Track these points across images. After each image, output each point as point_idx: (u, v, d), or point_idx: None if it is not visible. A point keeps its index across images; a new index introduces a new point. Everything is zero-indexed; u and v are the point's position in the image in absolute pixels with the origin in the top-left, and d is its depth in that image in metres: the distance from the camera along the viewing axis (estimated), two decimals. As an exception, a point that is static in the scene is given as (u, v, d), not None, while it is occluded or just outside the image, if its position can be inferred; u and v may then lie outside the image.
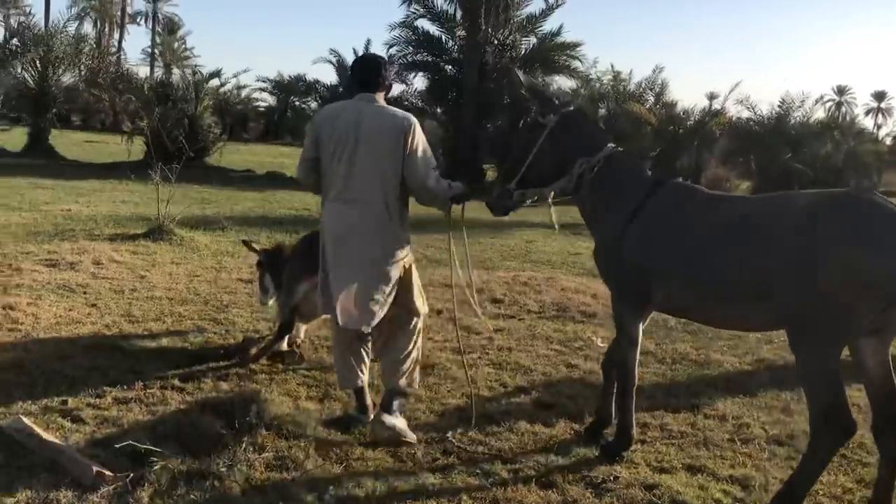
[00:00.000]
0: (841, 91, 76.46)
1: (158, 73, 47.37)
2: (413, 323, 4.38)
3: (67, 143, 26.35)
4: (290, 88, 44.91)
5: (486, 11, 22.38)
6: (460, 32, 23.49)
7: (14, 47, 22.17)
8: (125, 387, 4.71)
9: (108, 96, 23.34)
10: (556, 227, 4.67)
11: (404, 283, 4.28)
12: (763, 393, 5.39)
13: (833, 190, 3.79)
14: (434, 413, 4.70)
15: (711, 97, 32.22)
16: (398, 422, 4.17)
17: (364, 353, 4.42)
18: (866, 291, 3.20)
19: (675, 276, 3.87)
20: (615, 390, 4.36)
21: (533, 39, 24.07)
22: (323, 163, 4.15)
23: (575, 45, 23.92)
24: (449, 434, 4.31)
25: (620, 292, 4.19)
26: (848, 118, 36.26)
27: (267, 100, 47.68)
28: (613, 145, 4.27)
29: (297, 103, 47.11)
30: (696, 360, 6.15)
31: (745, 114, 25.29)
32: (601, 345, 6.36)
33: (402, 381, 4.34)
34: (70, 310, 6.41)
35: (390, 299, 4.20)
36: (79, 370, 4.97)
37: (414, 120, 4.10)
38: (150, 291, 7.26)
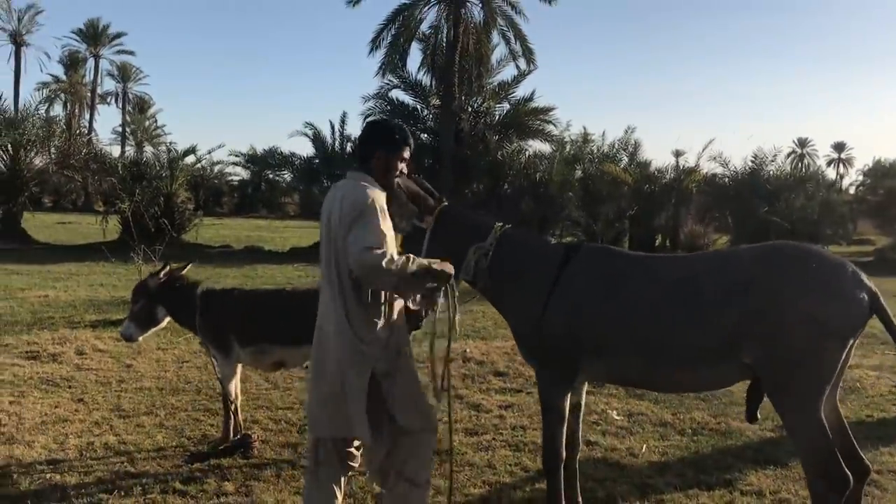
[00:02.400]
0: (802, 143, 78.06)
1: (130, 151, 47.14)
2: (423, 441, 3.54)
3: (40, 225, 25.92)
4: (263, 162, 44.80)
5: (460, 80, 22.59)
6: (434, 101, 23.67)
7: (-16, 132, 21.90)
8: (122, 493, 4.38)
9: (81, 177, 23.00)
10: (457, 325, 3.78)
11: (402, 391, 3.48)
12: (794, 463, 5.14)
13: (773, 243, 3.78)
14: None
15: (678, 154, 32.65)
16: None
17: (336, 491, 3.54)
18: (831, 337, 3.34)
19: (618, 344, 3.68)
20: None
21: (506, 105, 24.31)
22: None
23: (548, 110, 24.19)
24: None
25: (547, 370, 3.90)
26: (811, 169, 36.84)
27: (240, 174, 47.58)
28: (502, 224, 4.06)
29: (270, 176, 47.03)
30: (716, 430, 5.91)
31: (719, 170, 25.56)
32: (617, 418, 6.11)
33: None
34: (56, 407, 6.06)
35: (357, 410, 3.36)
36: (71, 476, 4.62)
37: (366, 197, 3.29)
38: (138, 382, 6.92)
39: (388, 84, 23.86)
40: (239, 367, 5.41)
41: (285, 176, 43.78)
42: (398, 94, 24.16)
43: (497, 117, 24.17)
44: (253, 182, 48.38)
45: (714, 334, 3.46)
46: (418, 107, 24.18)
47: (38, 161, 22.88)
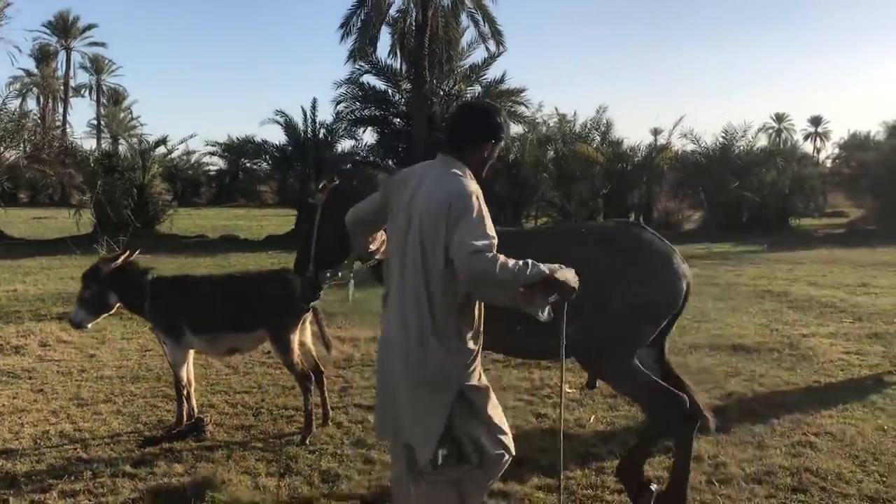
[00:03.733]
0: (780, 118, 78.61)
1: (105, 144, 46.83)
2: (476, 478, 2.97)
3: (15, 220, 25.79)
4: (239, 151, 44.62)
5: (430, 63, 22.58)
6: (406, 86, 23.67)
7: (-48, 128, 21.74)
8: (73, 478, 4.45)
9: (54, 171, 22.87)
10: (350, 300, 4.43)
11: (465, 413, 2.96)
12: (736, 429, 5.30)
13: (618, 226, 4.28)
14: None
15: (656, 132, 32.89)
16: None
17: None
18: (645, 320, 3.79)
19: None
20: None
21: (478, 88, 24.36)
22: (388, 241, 3.16)
23: (519, 91, 24.28)
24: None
25: None
26: (789, 144, 37.11)
27: (217, 163, 47.36)
28: None
29: (248, 165, 46.79)
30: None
31: (690, 147, 25.77)
32: (569, 391, 6.23)
33: None
34: (14, 398, 6.11)
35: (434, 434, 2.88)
36: (23, 464, 4.69)
37: (466, 189, 2.81)
38: (99, 371, 6.98)
39: (359, 69, 23.87)
40: (191, 353, 5.49)
41: (262, 165, 43.96)
42: (369, 79, 24.18)
43: (469, 100, 24.18)
44: (230, 171, 48.12)
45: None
46: (389, 91, 24.24)
47: (9, 155, 22.70)
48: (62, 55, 57.48)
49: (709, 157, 25.12)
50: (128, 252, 5.60)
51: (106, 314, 5.52)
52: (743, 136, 25.10)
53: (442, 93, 23.77)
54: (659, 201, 25.92)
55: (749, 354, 7.60)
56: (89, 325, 5.50)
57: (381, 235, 3.42)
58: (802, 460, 4.72)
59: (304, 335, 5.47)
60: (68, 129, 44.20)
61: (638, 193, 25.32)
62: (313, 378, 5.34)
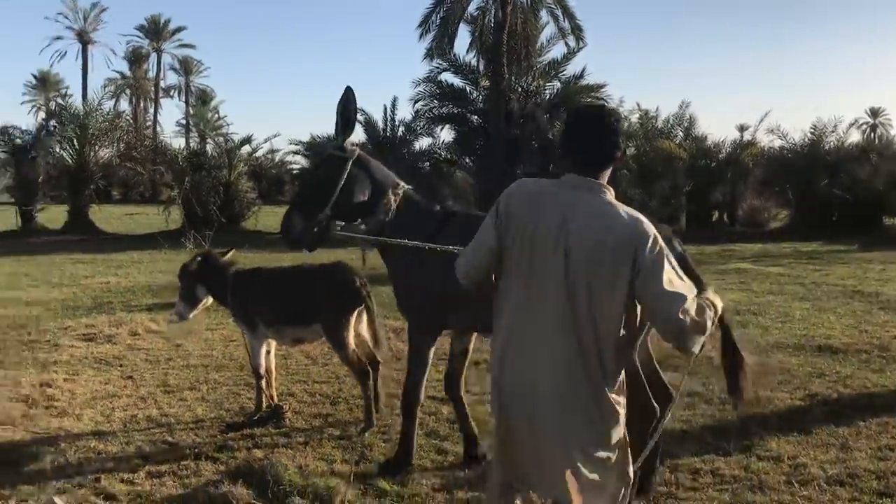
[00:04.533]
0: (875, 113, 75.31)
1: (193, 143, 48.43)
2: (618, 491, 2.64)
3: (108, 216, 26.89)
4: (322, 149, 45.57)
5: (508, 60, 22.56)
6: (484, 83, 23.69)
7: (52, 128, 22.85)
8: (159, 460, 4.65)
9: (145, 169, 23.81)
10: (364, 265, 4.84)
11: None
12: (819, 430, 5.15)
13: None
14: (481, 473, 4.53)
15: (742, 129, 31.88)
16: None
17: None
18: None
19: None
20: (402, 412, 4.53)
21: (557, 84, 24.22)
22: (508, 262, 2.62)
23: (599, 87, 24.02)
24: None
25: (419, 322, 4.40)
26: (885, 139, 35.55)
27: (300, 162, 48.32)
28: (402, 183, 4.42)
29: (330, 163, 47.74)
30: (745, 399, 5.90)
31: (778, 143, 25.00)
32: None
33: None
34: (106, 383, 6.40)
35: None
36: (113, 445, 4.92)
37: (649, 231, 2.47)
38: (185, 360, 7.25)
39: (437, 67, 24.01)
40: (271, 343, 5.65)
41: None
42: (447, 77, 24.30)
43: (547, 96, 24.09)
44: (312, 170, 49.12)
45: None
46: (467, 88, 24.26)
47: (104, 154, 23.73)
48: (153, 57, 59.73)
49: (796, 154, 24.30)
50: (207, 250, 5.83)
51: (202, 306, 5.76)
52: (833, 132, 24.19)
53: (520, 89, 23.72)
54: (744, 199, 25.24)
55: (835, 355, 7.34)
56: (190, 316, 5.82)
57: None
58: (890, 464, 4.55)
59: (359, 327, 5.53)
60: (158, 129, 46.02)
61: (722, 191, 24.71)
62: (371, 372, 5.42)
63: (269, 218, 26.87)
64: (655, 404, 3.79)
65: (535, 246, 2.52)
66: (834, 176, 23.44)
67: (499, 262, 2.64)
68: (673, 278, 2.43)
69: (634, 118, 25.26)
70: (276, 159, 45.30)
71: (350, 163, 4.20)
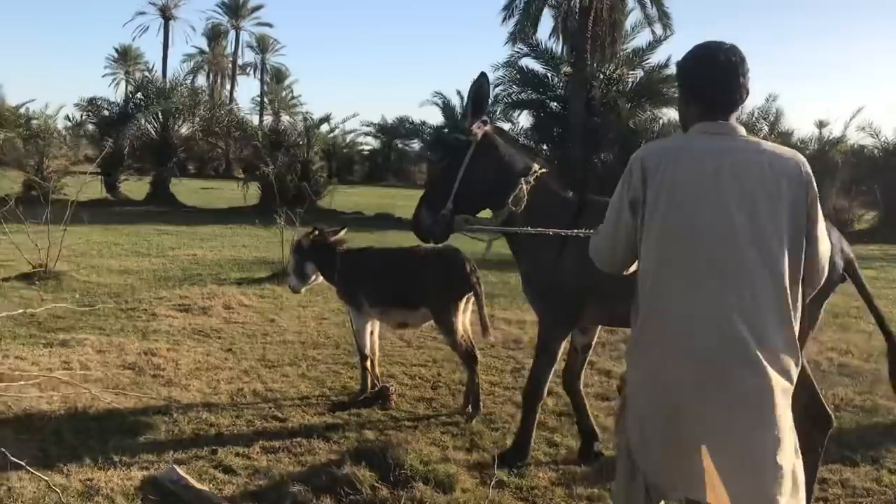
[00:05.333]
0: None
1: (268, 120, 49.12)
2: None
3: (185, 190, 27.41)
4: (393, 131, 45.73)
5: (592, 47, 22.14)
6: (565, 69, 23.31)
7: (139, 101, 23.36)
8: (271, 436, 4.65)
9: (224, 144, 24.17)
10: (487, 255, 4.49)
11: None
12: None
13: None
14: (592, 468, 4.42)
15: (821, 125, 30.79)
16: None
17: None
18: None
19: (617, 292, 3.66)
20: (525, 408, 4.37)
21: (640, 72, 23.65)
22: (649, 237, 2.37)
23: (684, 77, 23.35)
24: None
25: (551, 313, 4.19)
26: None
27: (371, 143, 48.67)
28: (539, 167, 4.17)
29: (400, 145, 47.99)
30: (861, 407, 5.65)
31: (868, 141, 24.06)
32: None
33: None
34: (208, 355, 6.46)
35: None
36: (224, 417, 4.94)
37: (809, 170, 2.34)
38: (281, 335, 7.28)
39: (518, 52, 23.68)
40: (375, 323, 5.60)
41: (414, 145, 44.88)
42: (528, 63, 23.97)
43: (629, 84, 23.56)
44: (383, 151, 49.35)
45: None
46: (548, 75, 23.89)
47: (185, 129, 24.16)
48: (231, 34, 60.64)
49: (887, 153, 23.36)
50: (319, 228, 5.80)
51: (312, 282, 5.76)
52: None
53: (602, 76, 23.27)
54: (830, 197, 24.38)
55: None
56: (302, 290, 5.89)
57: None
58: None
59: (465, 315, 5.42)
60: (235, 106, 46.70)
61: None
62: (478, 358, 5.32)
63: (340, 197, 27.10)
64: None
65: (687, 205, 2.29)
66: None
67: (639, 237, 2.41)
68: (825, 224, 2.40)
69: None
70: (348, 140, 45.69)
71: (473, 148, 4.02)
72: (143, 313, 7.98)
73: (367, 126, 45.51)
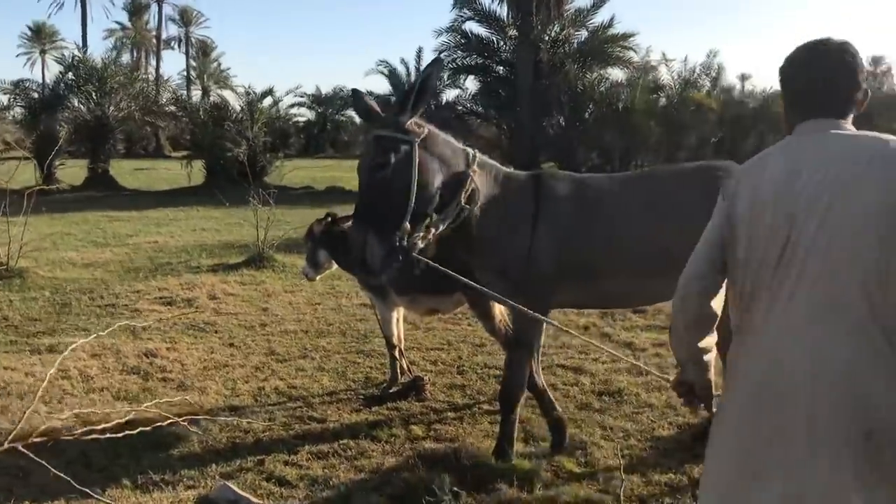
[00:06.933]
0: (876, 62, 74.41)
1: (196, 95, 47.51)
2: None
3: (121, 172, 26.34)
4: (329, 102, 44.92)
5: (537, 9, 21.88)
6: (511, 32, 23.01)
7: (70, 81, 22.19)
8: (315, 439, 4.37)
9: (164, 123, 23.25)
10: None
11: None
12: None
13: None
14: (647, 448, 4.27)
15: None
16: None
17: None
18: None
19: (604, 264, 3.69)
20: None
21: (584, 33, 23.53)
22: (737, 261, 2.05)
23: (628, 36, 23.26)
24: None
25: (531, 303, 3.53)
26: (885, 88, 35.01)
27: (305, 114, 47.62)
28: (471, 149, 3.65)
29: (336, 116, 47.19)
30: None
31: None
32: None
33: None
34: (211, 352, 6.10)
35: None
36: (256, 422, 4.62)
37: None
38: (281, 325, 6.94)
39: (461, 16, 23.28)
40: (400, 310, 5.34)
41: (351, 115, 44.10)
42: (472, 27, 23.60)
43: (575, 45, 23.43)
44: (318, 123, 48.41)
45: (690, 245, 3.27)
46: (494, 38, 23.55)
47: (122, 108, 23.13)
48: (154, 8, 58.32)
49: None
50: (330, 216, 5.48)
51: (325, 270, 5.43)
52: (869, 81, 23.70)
53: (548, 38, 23.06)
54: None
55: None
56: (316, 278, 5.49)
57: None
58: None
59: None
60: (173, 83, 44.96)
61: (751, 143, 24.27)
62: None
63: (285, 172, 26.46)
64: None
65: (777, 226, 1.93)
66: (865, 126, 23.01)
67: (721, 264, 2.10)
68: None
69: (663, 68, 24.70)
70: (282, 112, 44.56)
71: (417, 148, 3.29)
72: (124, 310, 7.53)
73: (301, 97, 44.57)
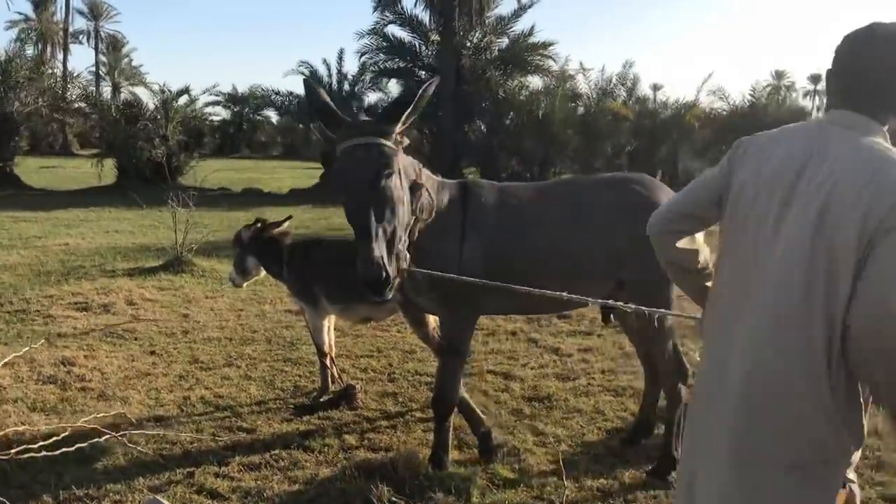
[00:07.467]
0: (779, 76, 77.68)
1: (106, 92, 45.96)
2: None
3: (26, 170, 25.21)
4: (245, 101, 44.12)
5: (459, 15, 22.05)
6: (434, 37, 23.11)
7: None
8: (245, 450, 4.28)
9: (73, 119, 22.37)
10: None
11: None
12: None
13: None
14: (578, 453, 4.35)
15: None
16: None
17: None
18: None
19: (527, 272, 3.69)
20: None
21: (506, 40, 23.82)
22: (724, 232, 2.05)
23: (548, 45, 23.75)
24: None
25: (457, 313, 3.80)
26: (787, 102, 36.70)
27: (221, 114, 46.61)
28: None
29: (253, 116, 46.40)
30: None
31: (718, 104, 25.44)
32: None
33: None
34: (132, 360, 5.91)
35: None
36: (183, 432, 4.50)
37: None
38: (203, 332, 6.77)
39: (383, 19, 23.27)
40: (331, 319, 5.28)
41: (269, 115, 43.43)
42: (394, 31, 23.60)
43: (497, 52, 23.70)
44: (234, 122, 47.50)
45: (605, 252, 3.79)
46: (416, 43, 23.61)
47: (28, 103, 22.16)
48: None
49: (737, 115, 24.77)
50: (261, 221, 5.39)
51: (254, 276, 5.35)
52: (773, 95, 24.77)
53: (470, 44, 23.25)
54: (681, 160, 25.63)
55: None
56: (244, 285, 5.46)
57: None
58: None
59: None
60: (83, 79, 43.24)
61: (665, 151, 25.01)
62: None
63: (200, 172, 25.84)
64: None
65: (753, 197, 1.92)
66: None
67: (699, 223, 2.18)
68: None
69: (581, 78, 25.22)
70: (197, 111, 43.51)
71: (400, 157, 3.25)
72: (37, 316, 7.21)
73: (216, 96, 43.58)
